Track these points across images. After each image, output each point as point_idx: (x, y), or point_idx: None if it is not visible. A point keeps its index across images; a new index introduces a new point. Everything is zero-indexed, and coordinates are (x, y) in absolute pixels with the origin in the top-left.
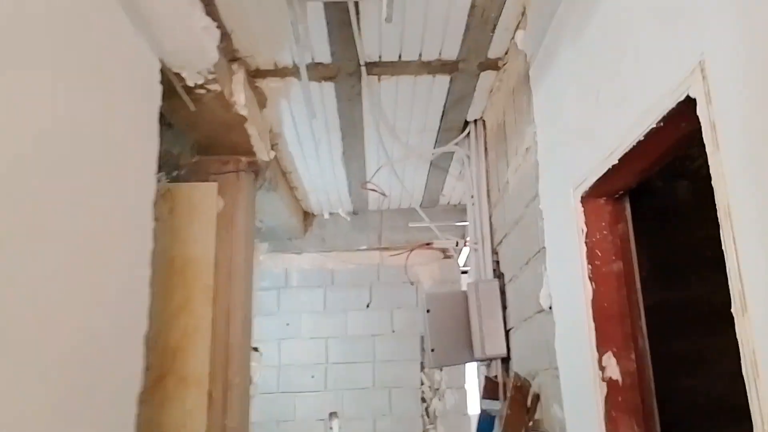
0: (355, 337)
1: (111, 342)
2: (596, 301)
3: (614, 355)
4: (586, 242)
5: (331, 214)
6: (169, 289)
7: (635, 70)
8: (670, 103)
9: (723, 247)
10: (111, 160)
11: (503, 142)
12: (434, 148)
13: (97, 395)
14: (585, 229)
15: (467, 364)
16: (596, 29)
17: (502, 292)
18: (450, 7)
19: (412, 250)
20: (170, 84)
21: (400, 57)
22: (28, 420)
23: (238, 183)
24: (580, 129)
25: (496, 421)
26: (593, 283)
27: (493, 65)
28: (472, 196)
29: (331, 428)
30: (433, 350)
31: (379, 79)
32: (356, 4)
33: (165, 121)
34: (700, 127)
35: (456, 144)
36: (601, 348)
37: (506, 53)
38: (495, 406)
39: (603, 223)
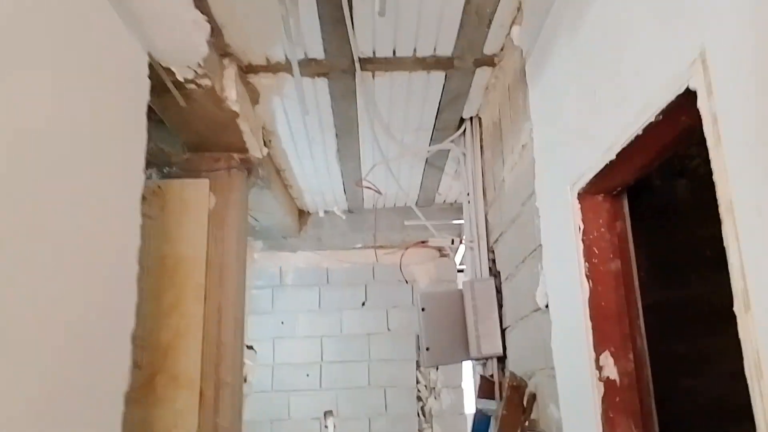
0: (351, 336)
1: (97, 340)
2: (593, 300)
3: (612, 355)
4: (583, 240)
5: (326, 212)
6: (160, 287)
7: (634, 64)
8: (669, 97)
9: (725, 244)
10: (97, 155)
11: (499, 139)
12: (429, 146)
13: (83, 394)
14: (582, 227)
15: (463, 364)
16: (593, 22)
17: (498, 291)
18: (444, 1)
19: (406, 249)
20: (160, 79)
21: (394, 53)
22: (10, 418)
23: (231, 180)
24: (578, 125)
25: (492, 421)
26: (590, 282)
27: (489, 61)
28: (468, 194)
29: (326, 427)
30: (428, 349)
31: (373, 76)
32: None
33: (156, 118)
34: (700, 122)
35: (452, 142)
36: (599, 347)
37: (502, 49)
38: (491, 405)
39: (600, 221)
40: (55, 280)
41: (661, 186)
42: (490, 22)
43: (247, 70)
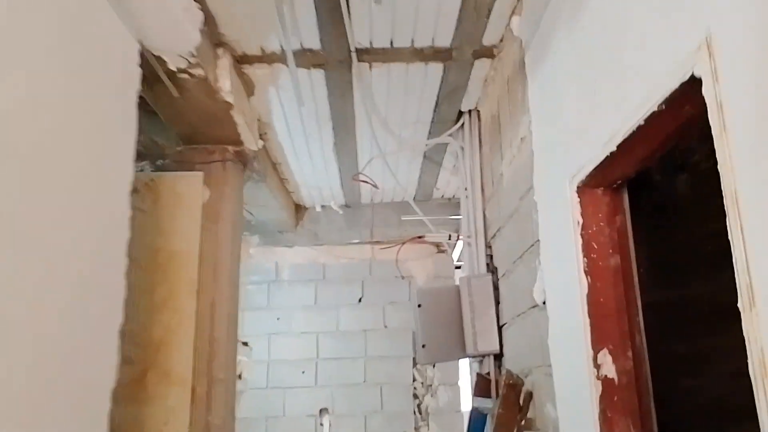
0: (347, 332)
1: (83, 335)
2: (591, 297)
3: (610, 353)
4: (581, 234)
5: (323, 207)
6: (152, 282)
7: (636, 52)
8: (673, 84)
9: (729, 238)
10: (84, 145)
11: (497, 133)
12: (427, 140)
13: (67, 391)
14: (581, 221)
15: (460, 361)
16: (594, 10)
17: (496, 287)
18: None
19: (403, 244)
20: (152, 69)
21: (391, 43)
22: None
23: (225, 173)
24: (578, 117)
25: (488, 420)
26: (589, 278)
27: (488, 53)
28: (466, 189)
29: (321, 425)
30: (424, 346)
31: (370, 67)
32: None
33: (150, 110)
34: (705, 111)
35: (450, 135)
36: (597, 345)
37: (501, 40)
38: (487, 404)
39: (600, 215)
40: (39, 273)
41: (662, 181)
42: (489, 12)
43: (241, 60)
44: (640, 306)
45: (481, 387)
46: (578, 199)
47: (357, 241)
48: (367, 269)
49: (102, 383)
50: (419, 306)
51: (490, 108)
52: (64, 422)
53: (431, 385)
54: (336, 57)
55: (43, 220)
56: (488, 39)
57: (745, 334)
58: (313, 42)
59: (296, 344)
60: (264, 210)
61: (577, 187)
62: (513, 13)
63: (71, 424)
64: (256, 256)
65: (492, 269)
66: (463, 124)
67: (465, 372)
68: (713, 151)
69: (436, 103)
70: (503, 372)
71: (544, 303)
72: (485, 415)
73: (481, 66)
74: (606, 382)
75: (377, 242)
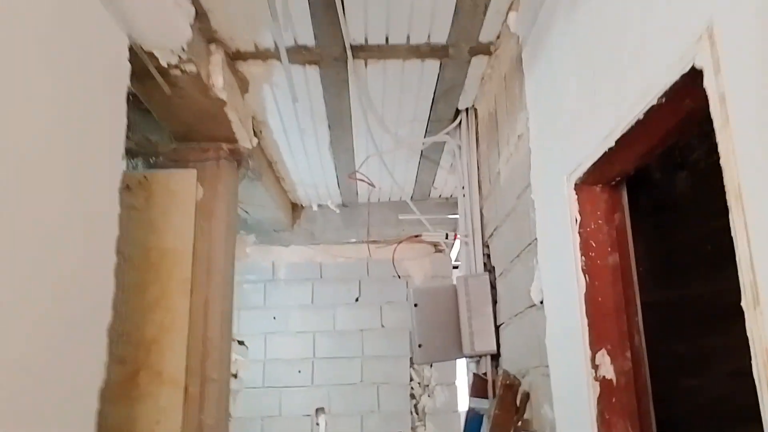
0: (344, 332)
1: (70, 333)
2: (590, 296)
3: (608, 353)
4: (579, 232)
5: (319, 206)
6: (144, 281)
7: (635, 44)
8: (673, 77)
9: (732, 234)
10: (72, 141)
11: (495, 131)
12: (424, 138)
13: (55, 389)
14: (579, 219)
15: (458, 361)
16: (592, 2)
17: (493, 287)
18: None
19: (399, 243)
20: (143, 64)
21: (387, 40)
22: None
23: (219, 171)
24: (575, 112)
25: (485, 420)
26: (587, 276)
27: (485, 50)
28: (463, 188)
29: (317, 424)
30: (420, 346)
31: (366, 64)
32: None
33: (144, 107)
34: (706, 104)
35: (447, 134)
36: (595, 345)
37: (498, 37)
38: (483, 404)
39: (598, 213)
40: (25, 270)
41: (661, 179)
42: (486, 8)
43: (235, 57)
44: (639, 305)
45: (478, 387)
46: (576, 197)
47: (354, 240)
48: (364, 269)
49: (90, 382)
50: (416, 305)
51: (487, 106)
52: (50, 421)
53: (428, 385)
54: (331, 54)
55: (30, 216)
56: (485, 36)
57: (748, 333)
58: (308, 38)
59: (293, 343)
60: (260, 209)
61: (575, 185)
62: (510, 8)
63: (58, 423)
64: (253, 255)
65: (489, 268)
66: (460, 123)
67: (462, 372)
68: (713, 148)
69: (433, 101)
70: (500, 372)
71: (541, 302)
72: (482, 416)
73: (478, 63)
74: (604, 383)
75: (374, 241)
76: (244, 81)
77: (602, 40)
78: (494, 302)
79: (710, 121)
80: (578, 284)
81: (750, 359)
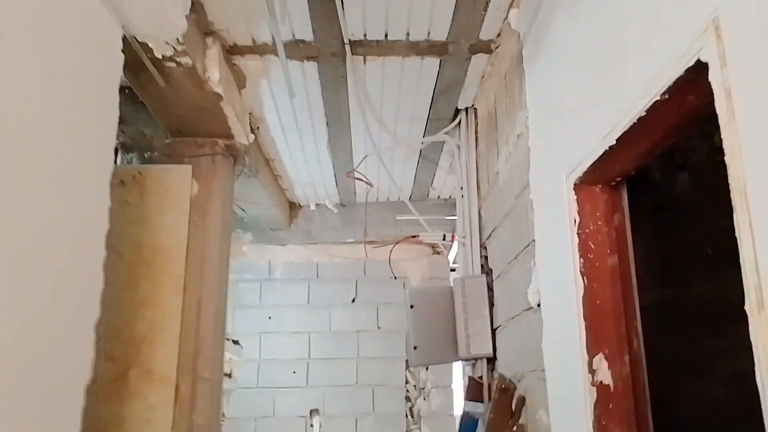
0: (339, 333)
1: (56, 329)
2: (588, 298)
3: (606, 358)
4: (578, 233)
5: (317, 205)
6: (136, 277)
7: (637, 38)
8: (677, 71)
9: (737, 234)
10: (62, 132)
11: (494, 130)
12: (423, 137)
13: (40, 385)
14: (578, 220)
15: (454, 364)
16: None
17: (490, 289)
18: None
19: (396, 243)
20: (137, 57)
21: (386, 36)
22: None
23: (214, 167)
24: (576, 109)
25: (480, 424)
26: (585, 279)
27: (485, 48)
28: (462, 189)
29: (311, 426)
30: (416, 348)
31: (364, 60)
32: None
33: (138, 101)
34: (710, 100)
35: (446, 133)
36: (592, 349)
37: (499, 35)
38: (478, 408)
39: (598, 213)
40: (11, 264)
41: (662, 180)
42: (487, 4)
43: (232, 51)
44: (638, 308)
45: (473, 391)
46: (575, 197)
47: (351, 240)
48: (361, 269)
49: (76, 379)
50: (411, 307)
51: (486, 105)
52: (35, 418)
53: (424, 388)
54: (329, 49)
55: (16, 208)
56: (486, 33)
57: (752, 337)
58: (306, 33)
59: (288, 344)
60: (256, 207)
61: (575, 184)
62: (511, 5)
63: (43, 421)
64: (249, 253)
65: (487, 270)
66: (459, 122)
67: (458, 375)
68: (715, 149)
69: (432, 100)
70: (496, 376)
71: (538, 305)
72: (477, 420)
73: (478, 62)
74: (601, 388)
75: (371, 242)
76: (241, 76)
77: (603, 35)
78: (491, 305)
79: (711, 120)
80: (576, 287)
81: (751, 363)
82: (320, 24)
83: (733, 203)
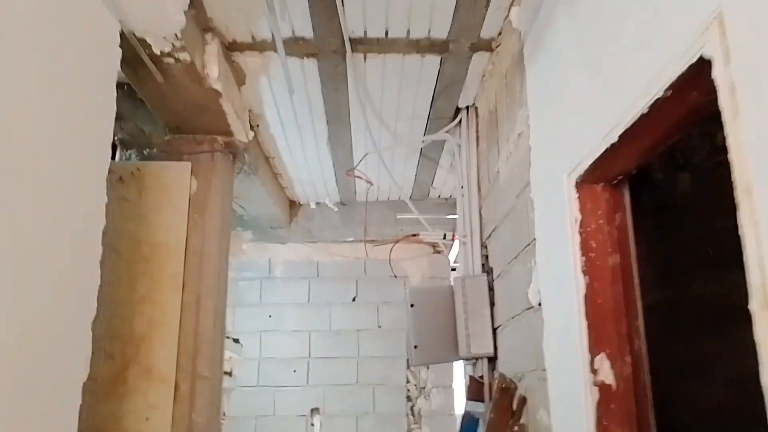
0: (340, 332)
1: (53, 325)
2: (590, 297)
3: (608, 357)
4: (580, 232)
5: (317, 204)
6: (134, 275)
7: (638, 34)
8: (679, 68)
9: (741, 232)
10: (58, 128)
11: (494, 130)
12: (424, 136)
13: (35, 383)
14: (579, 218)
15: (455, 363)
16: None
17: (491, 289)
18: None
19: (396, 242)
20: (135, 52)
21: (386, 34)
22: None
23: (214, 164)
24: (577, 107)
25: (480, 424)
26: (587, 277)
27: (486, 46)
28: (462, 188)
29: (312, 425)
30: (416, 347)
31: (365, 58)
32: None
33: (137, 97)
34: (713, 97)
35: (447, 132)
36: (594, 349)
37: (500, 33)
38: (479, 408)
39: (599, 212)
40: (6, 261)
41: (664, 178)
42: (488, 2)
43: (231, 48)
44: (641, 308)
45: (474, 390)
46: (577, 195)
47: (351, 239)
48: (361, 268)
49: (73, 376)
50: (412, 306)
51: (487, 104)
52: (32, 416)
53: (425, 387)
54: (329, 47)
55: (11, 204)
56: (487, 31)
57: (756, 338)
58: (306, 30)
59: (288, 342)
60: (256, 205)
61: (576, 183)
62: (512, 4)
63: (40, 418)
64: (249, 252)
65: (487, 270)
66: (460, 121)
67: (459, 375)
68: (717, 147)
69: (433, 98)
70: (496, 375)
71: (539, 304)
72: (477, 420)
73: (479, 60)
74: (603, 388)
75: (372, 241)
76: (241, 73)
77: (604, 32)
78: (492, 304)
79: (714, 118)
80: (578, 285)
81: (755, 364)
82: (320, 21)
83: (737, 200)
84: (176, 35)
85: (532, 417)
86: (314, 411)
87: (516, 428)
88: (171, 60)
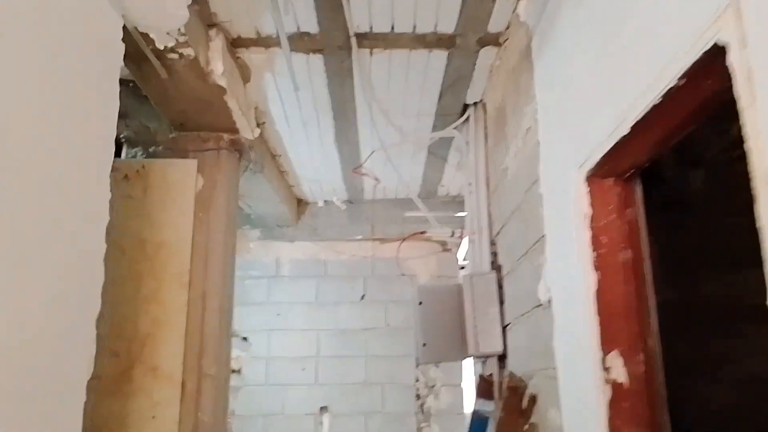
0: (348, 330)
1: (57, 322)
2: (601, 293)
3: (620, 355)
4: (590, 227)
5: (325, 202)
6: (139, 273)
7: (650, 22)
8: (693, 55)
9: (759, 225)
10: (62, 124)
11: (502, 126)
12: (431, 133)
13: (40, 379)
14: (590, 213)
15: (464, 363)
16: None
17: (500, 286)
18: None
19: (404, 240)
20: (139, 47)
21: (392, 28)
22: None
23: (219, 162)
24: (587, 99)
25: (490, 423)
26: (598, 273)
27: (494, 40)
28: (470, 185)
29: (321, 423)
30: (424, 345)
31: (371, 53)
32: None
33: (141, 94)
34: (728, 85)
35: (454, 129)
36: (606, 346)
37: (507, 27)
38: (488, 407)
39: (610, 207)
40: (9, 256)
41: (678, 174)
42: None
43: (236, 43)
44: (654, 305)
45: (483, 389)
46: (587, 189)
47: (359, 237)
48: (368, 266)
49: (78, 373)
50: (420, 303)
51: (495, 99)
52: (37, 412)
53: (434, 386)
54: (335, 42)
55: (16, 200)
56: (494, 26)
57: None
58: (311, 25)
59: (296, 341)
60: (263, 203)
61: (586, 177)
62: None
63: (45, 414)
64: (256, 250)
65: (496, 267)
66: (468, 117)
67: (468, 374)
68: (733, 141)
69: (440, 94)
70: (506, 374)
71: (549, 302)
72: (487, 419)
73: (487, 55)
74: (615, 386)
75: (380, 239)
76: (246, 69)
77: (614, 21)
78: (501, 302)
79: (728, 109)
80: (589, 281)
81: None
82: (325, 16)
83: (754, 191)
84: (179, 30)
85: (542, 416)
86: (323, 409)
87: (526, 427)
88: (175, 55)
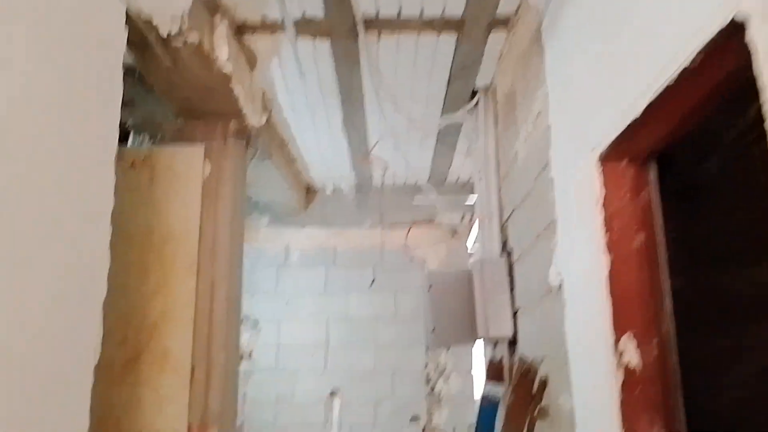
0: (357, 318)
1: (64, 306)
2: (613, 276)
3: (633, 338)
4: (603, 209)
5: (333, 189)
6: (147, 261)
7: (664, 2)
8: (709, 33)
9: None
10: (64, 110)
11: (512, 111)
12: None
13: (47, 364)
14: (602, 195)
15: (475, 349)
16: None
17: (510, 271)
18: None
19: (411, 225)
20: (142, 34)
21: (399, 14)
22: None
23: (226, 149)
24: (599, 82)
25: (500, 407)
26: (611, 254)
27: (503, 24)
28: (480, 171)
29: (331, 409)
30: (434, 330)
31: (378, 38)
32: None
33: (145, 82)
34: (746, 64)
35: (465, 113)
36: (619, 329)
37: (517, 10)
38: (497, 390)
39: (624, 190)
40: (15, 240)
41: (695, 156)
42: None
43: (241, 30)
44: (669, 290)
45: (493, 373)
46: (600, 171)
47: (368, 224)
48: (378, 254)
49: (85, 358)
50: (430, 288)
51: (504, 84)
52: (44, 397)
53: (444, 372)
54: (341, 27)
55: (20, 185)
56: (503, 9)
57: None
58: (317, 10)
59: (306, 329)
60: (271, 190)
61: (599, 159)
62: None
63: (52, 399)
64: (265, 238)
65: (507, 253)
66: (477, 103)
67: (479, 360)
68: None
69: (449, 79)
70: (517, 359)
71: (560, 286)
72: (496, 404)
73: (496, 39)
74: (628, 371)
75: (389, 224)
76: (252, 56)
77: (626, 1)
78: (511, 287)
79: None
80: (601, 264)
81: None
82: (331, 1)
83: None
84: (183, 16)
85: (553, 400)
86: (333, 396)
87: (537, 411)
88: (179, 42)
